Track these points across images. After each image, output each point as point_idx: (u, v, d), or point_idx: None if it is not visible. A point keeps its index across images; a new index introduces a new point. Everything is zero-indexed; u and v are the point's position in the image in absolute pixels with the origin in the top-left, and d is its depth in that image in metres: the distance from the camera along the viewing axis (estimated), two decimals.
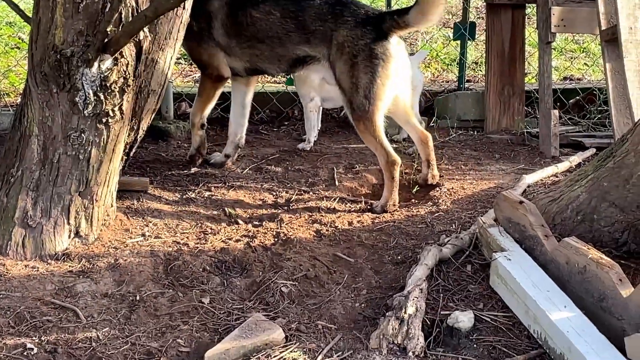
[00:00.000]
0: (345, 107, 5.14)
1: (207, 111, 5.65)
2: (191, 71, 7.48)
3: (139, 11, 4.33)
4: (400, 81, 5.14)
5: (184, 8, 4.63)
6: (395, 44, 5.02)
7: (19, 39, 7.75)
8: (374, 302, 4.03)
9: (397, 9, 5.09)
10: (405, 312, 3.69)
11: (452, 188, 5.32)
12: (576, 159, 5.76)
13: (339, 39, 5.05)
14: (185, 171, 5.57)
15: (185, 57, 7.38)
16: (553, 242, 4.02)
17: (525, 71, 6.80)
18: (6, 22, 8.11)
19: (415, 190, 5.40)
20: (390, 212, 5.01)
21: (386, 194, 5.08)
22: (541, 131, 6.13)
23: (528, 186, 5.17)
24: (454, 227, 4.76)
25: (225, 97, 6.53)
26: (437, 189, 5.32)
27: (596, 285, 3.69)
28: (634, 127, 4.36)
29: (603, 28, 5.95)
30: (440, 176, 5.48)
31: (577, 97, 7.11)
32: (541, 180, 5.34)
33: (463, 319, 3.77)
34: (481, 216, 4.61)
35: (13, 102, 6.35)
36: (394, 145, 5.76)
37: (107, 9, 4.19)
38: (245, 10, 5.29)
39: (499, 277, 3.99)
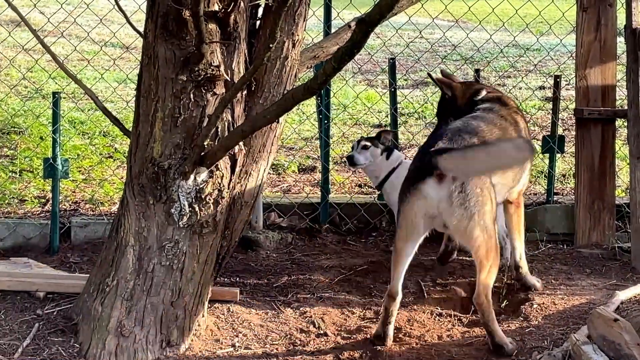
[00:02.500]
0: None
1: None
2: (279, 181, 7.59)
3: (235, 125, 4.45)
4: None
5: (278, 122, 4.73)
6: None
7: (113, 148, 7.97)
8: None
9: None
10: None
11: (543, 303, 5.26)
12: None
13: None
14: (273, 282, 5.62)
15: (273, 167, 7.49)
16: None
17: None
18: (99, 132, 8.35)
19: (504, 304, 5.34)
20: None
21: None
22: (633, 247, 6.05)
23: (621, 303, 5.09)
24: (545, 343, 4.70)
25: (315, 208, 6.60)
26: (528, 303, 5.26)
27: None
28: None
29: None
30: (530, 290, 5.43)
31: None
32: (635, 297, 5.25)
33: None
34: (574, 333, 4.54)
35: (107, 211, 6.50)
36: None
37: (204, 124, 4.32)
38: None
39: None
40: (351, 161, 6.06)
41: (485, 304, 4.64)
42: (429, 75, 5.58)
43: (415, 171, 4.63)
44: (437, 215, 4.58)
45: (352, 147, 6.13)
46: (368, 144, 6.02)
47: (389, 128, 7.00)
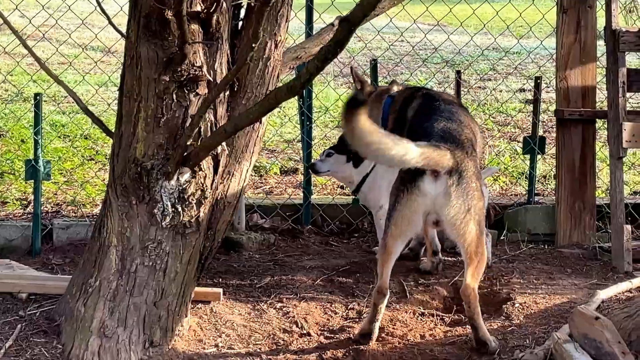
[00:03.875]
0: None
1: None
2: (261, 183, 7.59)
3: (217, 125, 4.45)
4: None
5: (260, 122, 4.74)
6: None
7: (95, 151, 7.96)
8: None
9: None
10: None
11: (525, 302, 5.29)
12: None
13: None
14: (256, 282, 5.62)
15: (255, 169, 7.49)
16: None
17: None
18: (81, 135, 8.33)
19: (486, 303, 5.36)
20: None
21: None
22: (614, 246, 6.09)
23: (602, 301, 5.12)
24: (527, 342, 4.73)
25: (297, 209, 6.62)
26: (510, 303, 5.29)
27: None
28: None
29: None
30: (512, 290, 5.46)
31: None
32: (615, 295, 5.29)
33: None
34: (556, 331, 4.57)
35: (89, 213, 6.49)
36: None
37: (187, 124, 4.32)
38: None
39: None
40: (313, 169, 6.05)
41: (472, 297, 4.67)
42: (351, 68, 5.80)
43: (410, 171, 4.67)
44: (432, 211, 4.70)
45: (320, 155, 6.13)
46: (332, 151, 5.99)
47: None
